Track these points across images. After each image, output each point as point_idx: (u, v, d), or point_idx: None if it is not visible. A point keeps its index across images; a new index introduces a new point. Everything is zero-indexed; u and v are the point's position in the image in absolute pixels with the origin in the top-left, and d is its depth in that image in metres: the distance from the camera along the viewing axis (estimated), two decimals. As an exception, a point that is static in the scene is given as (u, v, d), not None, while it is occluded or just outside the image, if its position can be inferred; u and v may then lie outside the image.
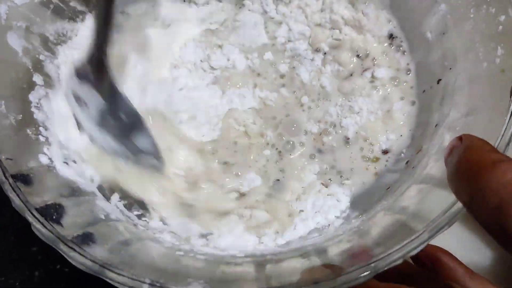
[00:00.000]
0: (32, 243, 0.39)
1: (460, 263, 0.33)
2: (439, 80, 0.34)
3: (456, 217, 0.24)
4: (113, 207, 0.32)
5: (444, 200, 0.25)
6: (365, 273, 0.24)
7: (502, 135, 0.26)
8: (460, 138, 0.23)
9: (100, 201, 0.32)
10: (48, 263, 0.39)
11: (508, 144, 0.26)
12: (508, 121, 0.26)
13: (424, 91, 0.37)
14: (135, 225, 0.31)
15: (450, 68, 0.33)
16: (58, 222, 0.27)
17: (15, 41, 0.33)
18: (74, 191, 0.30)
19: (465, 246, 0.36)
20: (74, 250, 0.26)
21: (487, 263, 0.37)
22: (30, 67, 0.34)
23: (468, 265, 0.31)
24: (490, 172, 0.20)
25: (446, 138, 0.30)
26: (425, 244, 0.24)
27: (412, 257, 0.34)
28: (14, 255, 0.39)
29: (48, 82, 0.35)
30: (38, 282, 0.38)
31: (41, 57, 0.35)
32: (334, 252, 0.27)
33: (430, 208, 0.26)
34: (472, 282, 0.30)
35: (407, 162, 0.34)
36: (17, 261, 0.39)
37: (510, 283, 0.36)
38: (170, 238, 0.31)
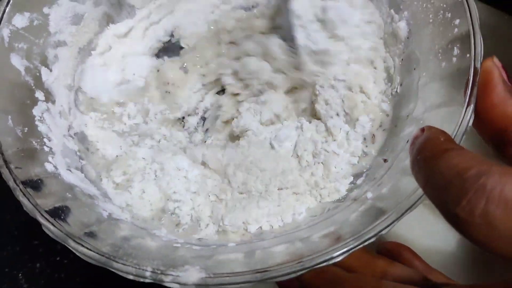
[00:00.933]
0: (34, 238, 0.43)
1: (419, 258, 0.36)
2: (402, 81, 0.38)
3: (419, 200, 0.27)
4: (115, 207, 0.35)
5: (411, 185, 0.28)
6: (342, 251, 0.27)
7: (460, 124, 0.29)
8: (422, 130, 0.26)
9: (102, 203, 0.34)
10: (49, 255, 0.42)
11: (464, 132, 0.29)
12: (464, 113, 0.29)
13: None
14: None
15: (414, 68, 0.36)
16: (65, 221, 0.30)
17: (17, 61, 0.36)
18: (78, 194, 0.33)
19: (431, 231, 0.40)
20: (82, 245, 0.28)
21: (451, 245, 0.40)
22: (32, 85, 0.37)
23: (434, 247, 0.34)
24: (440, 158, 0.23)
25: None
26: (394, 224, 0.27)
27: (378, 252, 0.37)
28: (17, 248, 0.43)
29: (49, 97, 0.38)
30: (39, 272, 0.42)
31: (42, 75, 0.38)
32: (316, 237, 0.30)
33: (399, 192, 0.29)
34: (430, 276, 0.33)
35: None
36: (20, 253, 0.43)
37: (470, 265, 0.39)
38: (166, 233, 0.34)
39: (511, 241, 0.20)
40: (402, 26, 0.38)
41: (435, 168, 0.23)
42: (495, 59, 0.29)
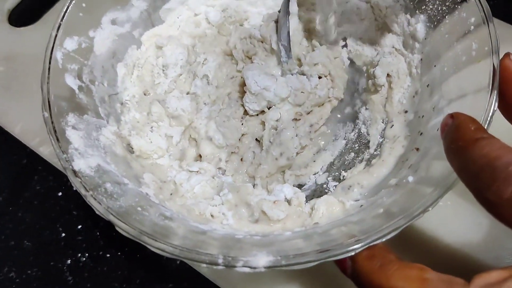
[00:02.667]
0: (78, 234, 0.47)
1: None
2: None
3: (455, 181, 0.30)
4: (174, 211, 0.38)
5: (445, 168, 0.31)
6: (393, 227, 0.30)
7: (486, 111, 0.32)
8: (451, 116, 0.29)
9: (162, 208, 0.37)
10: (92, 250, 0.46)
11: (491, 116, 0.32)
12: (490, 98, 0.33)
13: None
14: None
15: (435, 65, 0.40)
16: (135, 221, 0.32)
17: (71, 81, 0.39)
18: (142, 198, 0.36)
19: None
20: (156, 240, 0.31)
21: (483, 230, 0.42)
22: (86, 102, 0.40)
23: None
24: (471, 147, 0.26)
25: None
26: (438, 201, 0.30)
27: None
28: (62, 243, 0.46)
29: (99, 116, 0.41)
30: (83, 266, 0.45)
31: (93, 92, 0.41)
32: (368, 218, 0.33)
33: (436, 174, 0.32)
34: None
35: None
36: (64, 248, 0.46)
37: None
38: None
39: None
40: (419, 28, 0.42)
41: (467, 157, 0.26)
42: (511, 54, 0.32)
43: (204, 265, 0.30)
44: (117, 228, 0.32)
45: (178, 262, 0.44)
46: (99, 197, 0.33)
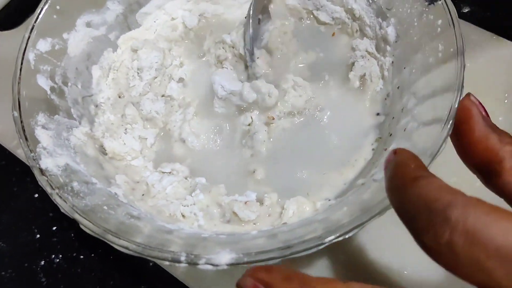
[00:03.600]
0: (53, 235, 0.47)
1: None
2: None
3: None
4: (143, 211, 0.38)
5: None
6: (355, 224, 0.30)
7: (450, 111, 0.33)
8: (394, 152, 0.28)
9: (130, 207, 0.37)
10: (66, 251, 0.46)
11: (453, 117, 0.32)
12: (456, 98, 0.33)
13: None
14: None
15: (404, 67, 0.40)
16: (101, 219, 0.32)
17: (43, 82, 0.40)
18: (110, 198, 0.36)
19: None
20: (120, 238, 0.31)
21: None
22: (57, 103, 0.40)
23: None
24: (409, 187, 0.24)
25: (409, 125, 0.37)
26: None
27: None
28: (36, 245, 0.46)
29: (71, 116, 0.41)
30: (57, 267, 0.45)
31: (65, 94, 0.41)
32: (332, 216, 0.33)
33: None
34: None
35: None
36: (39, 250, 0.46)
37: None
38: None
39: (472, 269, 0.22)
40: (390, 31, 0.42)
41: (405, 197, 0.25)
42: (472, 97, 0.30)
43: (167, 262, 0.30)
44: (81, 226, 0.32)
45: (151, 264, 0.44)
46: (65, 196, 0.33)
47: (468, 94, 0.31)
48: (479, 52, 0.52)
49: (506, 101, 0.49)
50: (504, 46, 0.52)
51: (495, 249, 0.21)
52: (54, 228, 0.47)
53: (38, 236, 0.47)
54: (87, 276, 0.45)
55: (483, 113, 0.30)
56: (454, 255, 0.22)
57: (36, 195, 0.49)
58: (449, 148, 0.31)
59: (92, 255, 0.45)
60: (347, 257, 0.42)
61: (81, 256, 0.45)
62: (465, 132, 0.30)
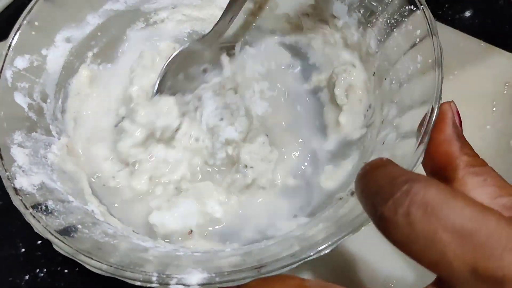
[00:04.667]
0: (36, 249, 0.46)
1: None
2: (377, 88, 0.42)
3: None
4: (119, 228, 0.37)
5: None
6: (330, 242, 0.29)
7: (429, 118, 0.32)
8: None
9: (106, 225, 0.37)
10: (50, 265, 0.45)
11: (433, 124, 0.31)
12: (435, 109, 0.32)
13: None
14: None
15: (385, 78, 0.40)
16: (74, 238, 0.32)
17: (21, 99, 0.39)
18: (87, 215, 0.36)
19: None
20: (92, 258, 0.31)
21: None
22: (35, 120, 0.40)
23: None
24: (377, 169, 0.25)
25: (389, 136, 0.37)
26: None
27: None
28: (20, 259, 0.46)
29: (50, 133, 0.41)
30: (40, 281, 0.45)
31: (44, 110, 0.41)
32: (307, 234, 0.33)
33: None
34: None
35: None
36: (23, 264, 0.46)
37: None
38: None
39: (426, 243, 0.22)
40: (371, 43, 0.42)
41: (371, 177, 0.25)
42: (453, 104, 0.31)
43: (139, 283, 0.30)
44: (54, 247, 0.32)
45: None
46: (38, 215, 0.33)
47: (450, 101, 0.31)
48: (467, 60, 0.51)
49: (494, 109, 0.49)
50: (493, 53, 0.52)
51: (451, 223, 0.21)
52: (39, 242, 0.47)
53: (22, 250, 0.47)
54: None
55: (457, 121, 0.30)
56: (410, 226, 0.22)
57: (15, 205, 0.48)
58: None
59: (76, 269, 0.45)
60: (330, 271, 0.41)
61: (65, 271, 0.45)
62: (432, 132, 0.31)
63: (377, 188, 0.24)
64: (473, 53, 0.52)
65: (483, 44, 0.52)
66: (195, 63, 0.48)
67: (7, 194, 0.46)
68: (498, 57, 0.51)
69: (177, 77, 0.47)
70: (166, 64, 0.46)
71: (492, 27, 0.55)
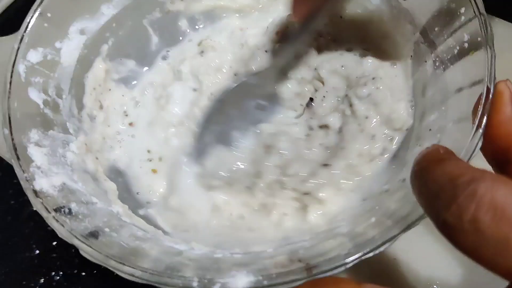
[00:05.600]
0: (53, 251, 0.44)
1: None
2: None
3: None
4: (148, 230, 0.35)
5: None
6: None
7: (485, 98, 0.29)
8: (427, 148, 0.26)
9: (133, 227, 0.34)
10: (66, 268, 0.43)
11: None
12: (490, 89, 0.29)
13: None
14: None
15: (425, 61, 0.37)
16: (102, 243, 0.29)
17: (35, 95, 0.37)
18: (112, 217, 0.33)
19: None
20: (124, 264, 0.28)
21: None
22: (51, 117, 0.37)
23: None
24: (435, 167, 0.23)
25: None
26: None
27: None
28: (35, 261, 0.44)
29: (67, 131, 0.38)
30: (56, 285, 0.43)
31: (60, 106, 0.38)
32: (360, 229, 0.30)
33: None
34: None
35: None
36: (38, 266, 0.43)
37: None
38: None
39: (497, 250, 0.20)
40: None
41: (429, 176, 0.23)
42: (509, 82, 0.29)
43: (178, 289, 0.27)
44: (81, 252, 0.29)
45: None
46: (62, 219, 0.30)
47: (506, 80, 0.29)
48: (506, 46, 0.49)
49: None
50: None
51: None
52: (54, 243, 0.44)
53: (37, 252, 0.44)
54: None
55: None
56: (478, 233, 0.20)
57: (35, 208, 0.45)
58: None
59: (94, 271, 0.43)
60: (371, 269, 0.38)
61: (83, 273, 0.43)
62: (490, 113, 0.28)
63: (437, 189, 0.22)
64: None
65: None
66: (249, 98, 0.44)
67: (19, 193, 0.44)
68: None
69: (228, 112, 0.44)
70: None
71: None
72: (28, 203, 0.44)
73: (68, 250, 0.43)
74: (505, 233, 0.19)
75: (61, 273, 0.43)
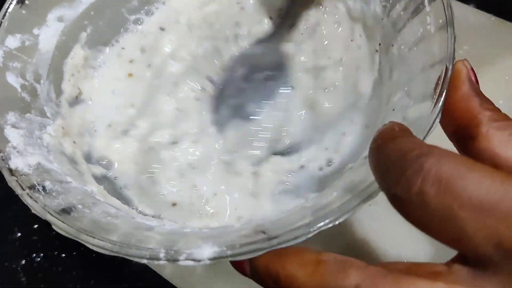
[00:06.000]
0: (34, 233, 0.46)
1: None
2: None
3: None
4: (120, 209, 0.36)
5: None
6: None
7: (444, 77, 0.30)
8: (384, 125, 0.27)
9: (107, 205, 0.35)
10: (47, 250, 0.45)
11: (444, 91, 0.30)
12: (449, 68, 0.30)
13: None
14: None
15: (392, 45, 0.38)
16: (74, 218, 0.30)
17: (13, 79, 0.38)
18: (86, 196, 0.34)
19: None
20: (94, 237, 0.29)
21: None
22: (29, 101, 0.38)
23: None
24: (388, 144, 0.24)
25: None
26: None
27: None
28: (16, 243, 0.46)
29: (45, 115, 0.39)
30: (37, 266, 0.45)
31: (38, 91, 0.39)
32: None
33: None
34: None
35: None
36: (19, 249, 0.45)
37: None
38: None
39: (442, 220, 0.21)
40: (377, 9, 0.40)
41: (382, 152, 0.24)
42: (466, 61, 0.30)
43: (145, 260, 0.28)
44: (53, 227, 0.30)
45: (133, 262, 0.42)
46: (35, 195, 0.31)
47: (463, 59, 0.30)
48: (478, 35, 0.50)
49: (506, 84, 0.47)
50: (504, 27, 0.50)
51: (468, 198, 0.20)
52: (35, 226, 0.46)
53: (18, 234, 0.46)
54: (68, 275, 0.44)
55: (473, 78, 0.29)
56: (425, 205, 0.21)
57: (10, 186, 0.47)
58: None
59: (74, 253, 0.45)
60: (340, 249, 0.40)
61: (63, 255, 0.44)
62: (449, 91, 0.29)
63: (389, 164, 0.23)
64: (483, 28, 0.51)
65: (493, 18, 0.51)
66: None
67: (1, 177, 0.46)
68: (509, 31, 0.50)
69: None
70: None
71: (502, 1, 0.54)
72: (9, 187, 0.47)
73: (49, 233, 0.45)
74: (448, 204, 0.20)
75: (41, 254, 0.44)
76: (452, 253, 0.23)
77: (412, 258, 0.40)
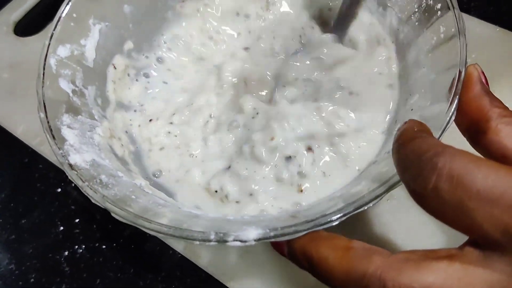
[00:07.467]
0: (76, 227, 0.49)
1: None
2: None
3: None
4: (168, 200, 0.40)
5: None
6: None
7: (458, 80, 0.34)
8: (405, 122, 0.31)
9: (155, 197, 0.39)
10: (88, 242, 0.48)
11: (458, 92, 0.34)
12: (462, 72, 0.34)
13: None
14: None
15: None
16: (131, 207, 0.34)
17: (65, 85, 0.42)
18: (136, 188, 0.38)
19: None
20: (151, 222, 0.33)
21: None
22: (79, 104, 0.42)
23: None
24: (407, 144, 0.28)
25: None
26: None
27: None
28: (59, 236, 0.49)
29: (93, 117, 0.43)
30: (79, 257, 0.48)
31: (86, 96, 0.43)
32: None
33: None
34: None
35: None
36: (62, 241, 0.49)
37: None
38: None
39: (455, 211, 0.24)
40: (393, 21, 0.44)
41: (403, 152, 0.28)
42: (477, 65, 0.34)
43: (197, 242, 0.32)
44: (113, 215, 0.34)
45: (171, 252, 0.46)
46: (95, 187, 0.35)
47: (474, 64, 0.34)
48: (484, 46, 0.53)
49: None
50: (510, 38, 0.54)
51: (476, 191, 0.24)
52: (77, 220, 0.49)
53: (61, 228, 0.49)
54: (108, 264, 0.47)
55: (483, 80, 0.33)
56: (439, 199, 0.25)
57: (59, 190, 0.51)
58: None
59: (114, 244, 0.48)
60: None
61: (103, 247, 0.48)
62: (462, 92, 0.33)
63: (408, 164, 0.27)
64: (489, 39, 0.54)
65: (498, 29, 0.55)
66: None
67: (44, 176, 0.51)
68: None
69: None
70: None
71: (507, 13, 0.58)
72: (52, 185, 0.51)
73: (90, 226, 0.49)
74: (460, 197, 0.24)
75: (83, 246, 0.48)
76: (461, 240, 0.27)
77: (427, 247, 0.43)
